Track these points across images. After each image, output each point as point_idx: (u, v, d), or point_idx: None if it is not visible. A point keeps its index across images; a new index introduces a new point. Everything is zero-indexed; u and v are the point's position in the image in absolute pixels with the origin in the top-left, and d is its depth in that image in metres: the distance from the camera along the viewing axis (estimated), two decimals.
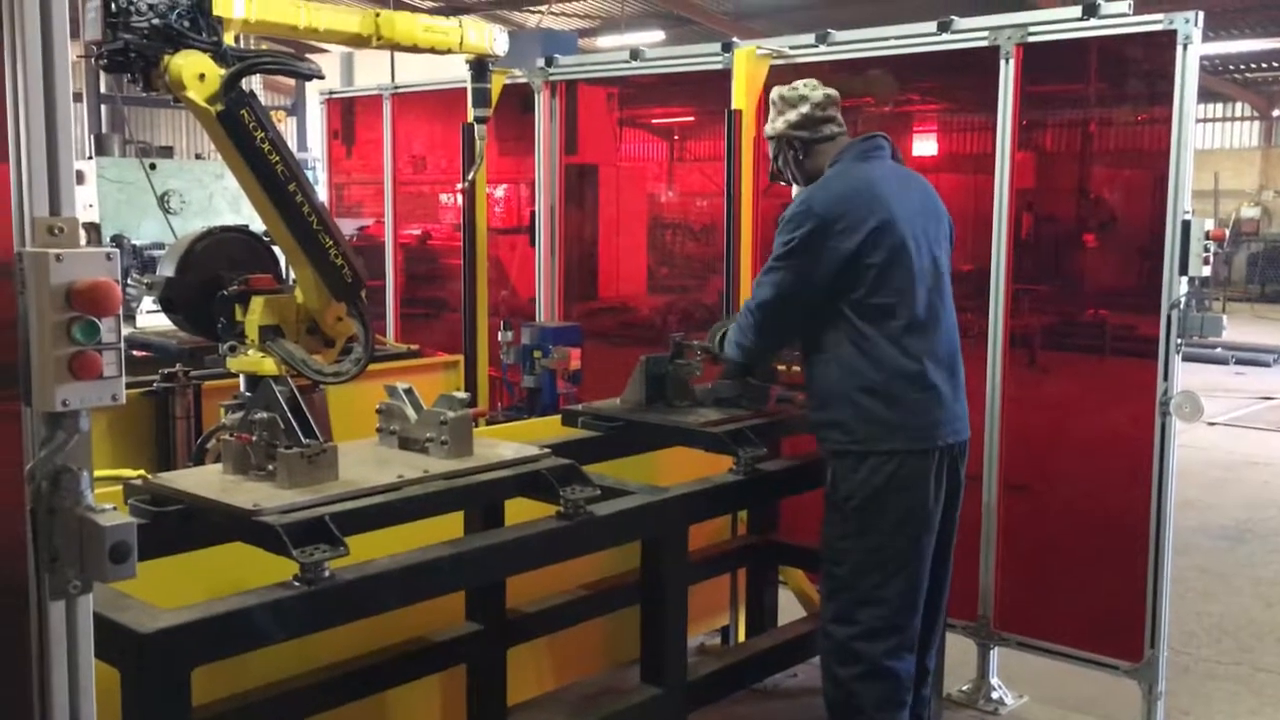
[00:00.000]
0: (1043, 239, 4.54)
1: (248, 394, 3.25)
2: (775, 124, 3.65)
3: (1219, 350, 13.27)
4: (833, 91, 3.64)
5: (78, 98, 10.80)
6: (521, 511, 3.14)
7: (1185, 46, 3.78)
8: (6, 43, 1.57)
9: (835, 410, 3.42)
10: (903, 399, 3.34)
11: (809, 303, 3.41)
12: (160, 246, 7.72)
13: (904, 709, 3.43)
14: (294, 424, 2.73)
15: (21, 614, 1.62)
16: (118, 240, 7.80)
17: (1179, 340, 3.90)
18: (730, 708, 4.14)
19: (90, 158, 8.92)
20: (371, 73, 12.41)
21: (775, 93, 3.68)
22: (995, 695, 4.49)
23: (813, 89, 3.61)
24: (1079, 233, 4.53)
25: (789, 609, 4.75)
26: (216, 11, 3.13)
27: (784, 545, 4.60)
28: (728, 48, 4.91)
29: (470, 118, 4.52)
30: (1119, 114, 4.39)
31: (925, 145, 5.23)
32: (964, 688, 4.51)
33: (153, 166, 8.50)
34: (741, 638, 4.76)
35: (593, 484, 3.07)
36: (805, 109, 3.58)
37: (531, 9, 19.51)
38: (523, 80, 5.74)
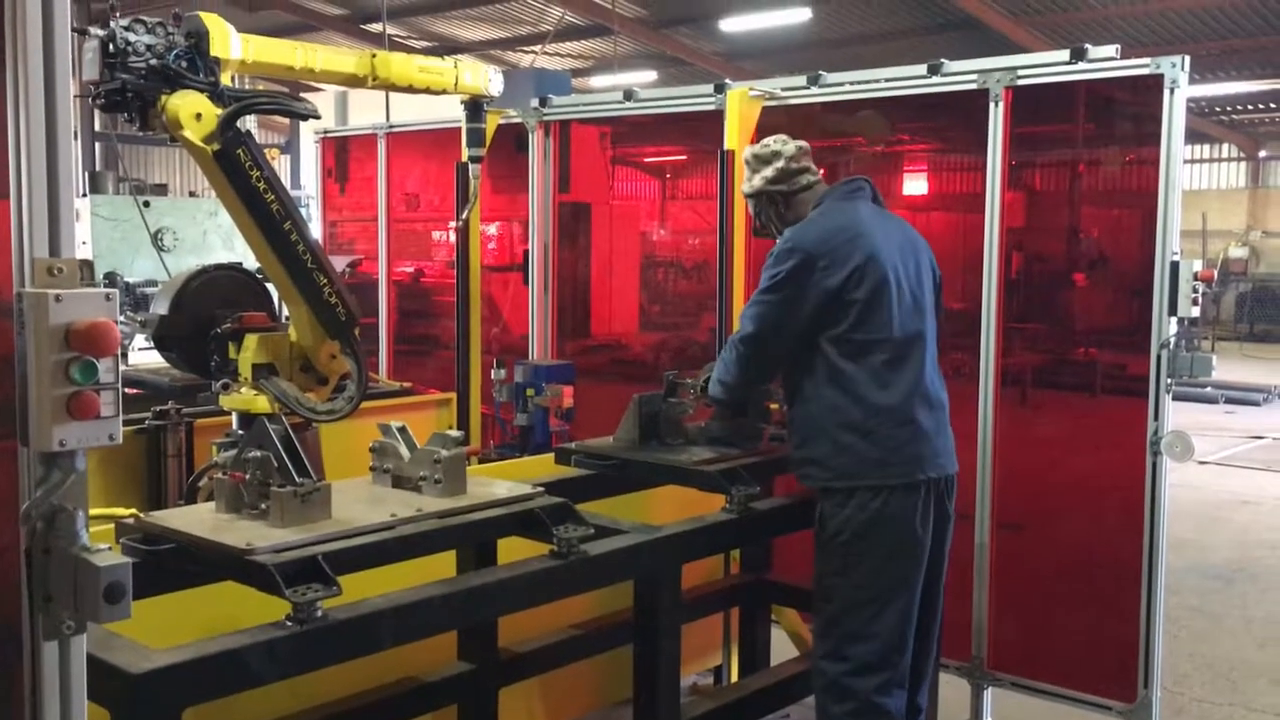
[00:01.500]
0: (1033, 278, 4.57)
1: (240, 432, 3.24)
2: (753, 182, 3.72)
3: (1209, 390, 13.33)
4: (803, 143, 3.73)
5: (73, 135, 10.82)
6: (515, 550, 3.13)
7: (1172, 90, 3.83)
8: (9, 85, 1.58)
9: (815, 447, 3.45)
10: (883, 434, 3.37)
11: (792, 338, 3.44)
12: (153, 284, 7.73)
13: None
14: (287, 462, 2.73)
15: (15, 654, 1.62)
16: (111, 278, 7.81)
17: (1169, 380, 3.92)
18: None
19: (84, 195, 8.95)
20: (366, 111, 12.47)
21: (748, 152, 3.77)
22: None
23: (783, 144, 3.71)
24: (1069, 272, 4.56)
25: (782, 648, 4.73)
26: (214, 52, 3.15)
27: (777, 584, 4.59)
28: (720, 89, 4.96)
29: (465, 157, 4.55)
30: (1107, 155, 4.44)
31: (916, 185, 5.27)
32: None
33: (146, 204, 8.52)
34: (734, 677, 4.73)
35: (586, 523, 3.06)
36: (780, 164, 3.67)
37: (525, 49, 19.68)
38: (517, 120, 5.78)
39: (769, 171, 3.67)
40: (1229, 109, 22.89)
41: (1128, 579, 4.01)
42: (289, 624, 2.45)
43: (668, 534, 3.36)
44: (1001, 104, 4.21)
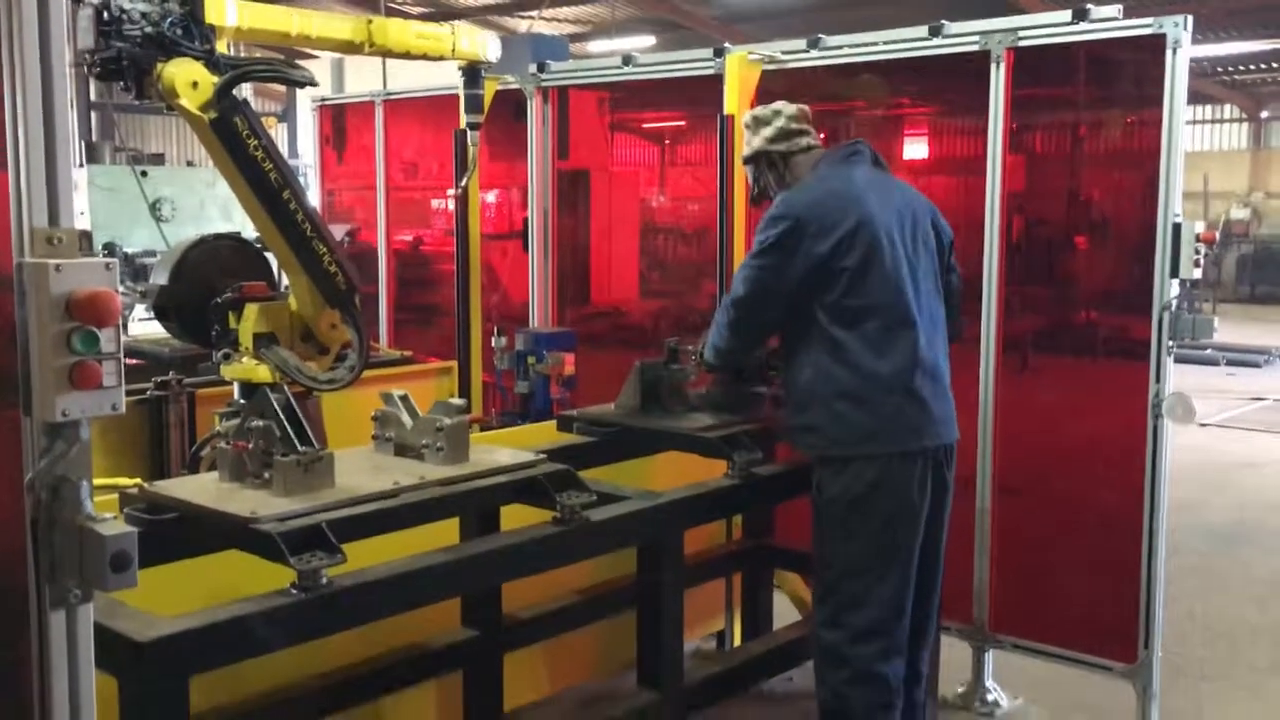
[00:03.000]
0: (1034, 242, 4.56)
1: (242, 401, 3.25)
2: (752, 143, 3.72)
3: (1210, 352, 13.33)
4: (803, 106, 3.72)
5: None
6: (517, 517, 3.15)
7: (1175, 50, 3.80)
8: (5, 54, 1.58)
9: (810, 415, 3.45)
10: (879, 403, 3.37)
11: (781, 303, 3.44)
12: (152, 254, 7.72)
13: (893, 712, 3.45)
14: (289, 431, 2.74)
15: (22, 623, 1.63)
16: (109, 248, 7.79)
17: (1170, 342, 3.92)
18: (726, 711, 4.14)
19: (81, 165, 8.92)
20: (362, 78, 12.41)
21: (748, 115, 3.78)
22: (991, 698, 4.50)
23: (783, 105, 3.72)
24: (1070, 235, 4.55)
25: (784, 613, 4.76)
26: (209, 19, 3.13)
27: (779, 549, 4.61)
28: (720, 53, 4.93)
29: (462, 124, 4.53)
30: (1109, 117, 4.41)
31: (917, 149, 5.25)
32: (959, 690, 4.52)
33: (144, 174, 8.50)
34: (737, 642, 4.77)
35: (588, 489, 3.08)
36: (780, 123, 3.67)
37: (522, 14, 19.52)
38: (515, 86, 5.74)
39: (768, 130, 3.67)
40: (1231, 69, 22.74)
41: (1129, 541, 4.03)
42: (294, 592, 2.47)
43: (670, 500, 3.38)
44: (1003, 66, 4.19)
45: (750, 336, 3.65)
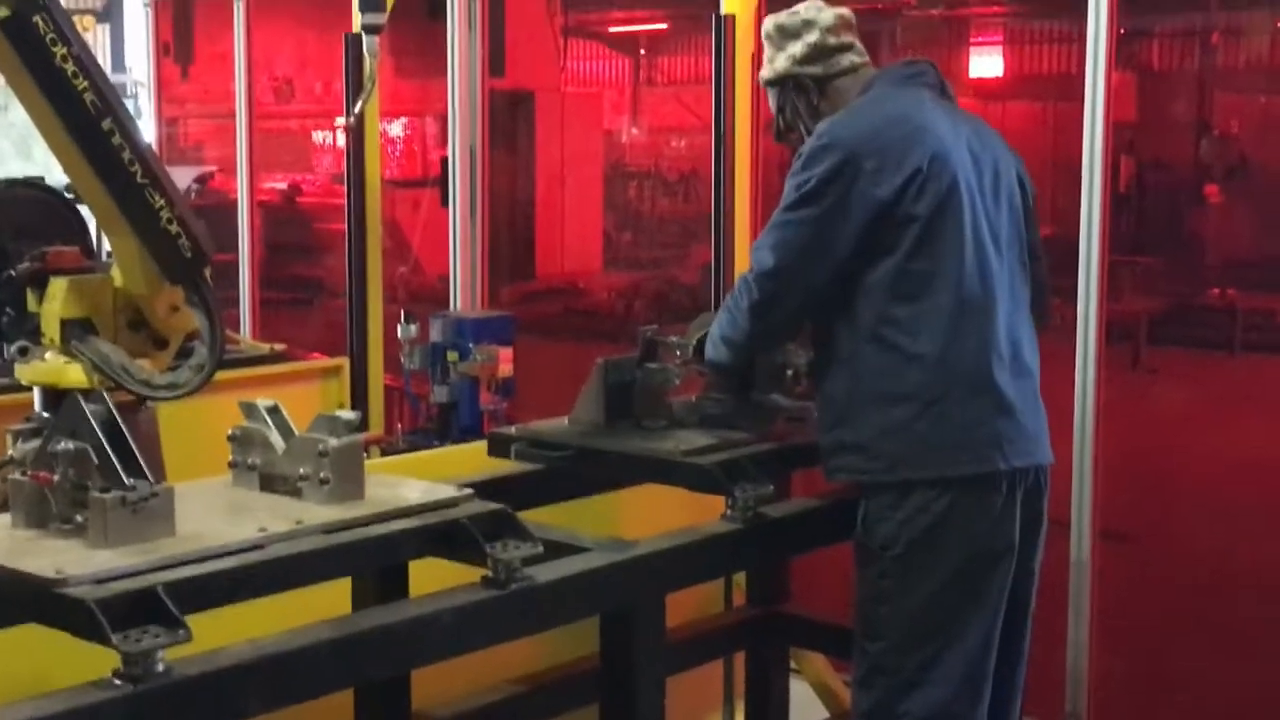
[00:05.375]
0: (1149, 193, 4.61)
1: (45, 415, 3.22)
2: (776, 64, 3.70)
3: None
4: (845, 11, 3.71)
5: None
6: (433, 576, 3.13)
7: None
8: None
9: (855, 427, 3.45)
10: (951, 408, 3.37)
11: (828, 271, 3.43)
12: None
13: None
14: (112, 457, 2.71)
15: None
16: None
17: None
18: None
19: None
20: None
21: (769, 24, 3.74)
22: None
23: (818, 10, 3.69)
24: (1198, 184, 4.60)
25: (805, 706, 4.77)
26: None
27: (796, 619, 4.61)
28: None
29: (356, 26, 4.51)
30: (1253, 20, 4.44)
31: (987, 63, 5.28)
32: None
33: None
34: None
35: (532, 537, 3.05)
36: (813, 37, 3.65)
37: None
38: None
39: (798, 48, 3.65)
40: None
41: None
42: (118, 682, 2.43)
43: (646, 552, 3.37)
44: None
45: (780, 323, 3.62)
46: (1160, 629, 4.34)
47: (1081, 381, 4.30)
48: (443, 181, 5.90)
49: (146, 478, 2.73)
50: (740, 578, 4.67)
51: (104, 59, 12.98)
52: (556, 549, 3.21)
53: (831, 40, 3.65)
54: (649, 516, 3.93)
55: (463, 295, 5.80)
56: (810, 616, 4.55)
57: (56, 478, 2.74)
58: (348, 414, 3.11)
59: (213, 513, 2.90)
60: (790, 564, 4.60)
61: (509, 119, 5.97)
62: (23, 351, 3.38)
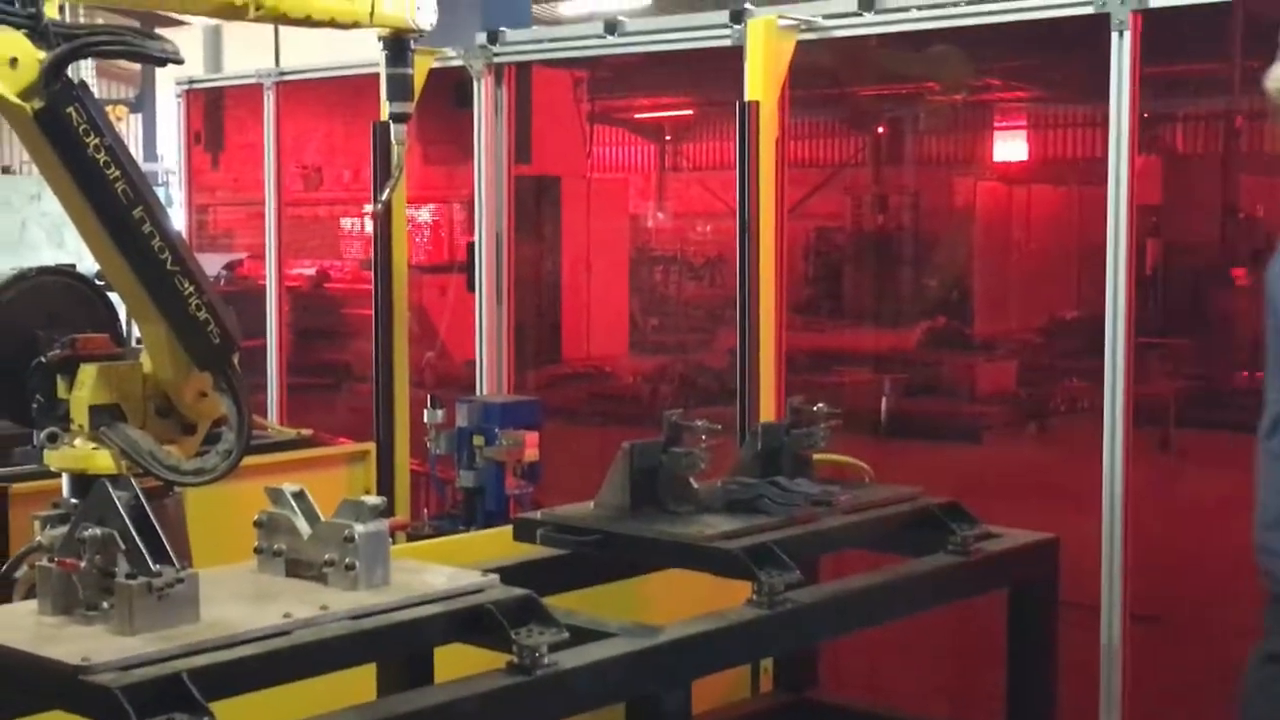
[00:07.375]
0: (1175, 275, 4.58)
1: (73, 501, 3.23)
2: None
3: None
4: None
5: None
6: (459, 663, 3.12)
7: None
8: None
9: None
10: None
11: None
12: None
13: None
14: (139, 543, 2.71)
15: None
16: None
17: None
18: None
19: None
20: (248, 54, 12.52)
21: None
22: None
23: None
24: (1225, 266, 4.57)
25: None
26: None
27: (825, 706, 4.57)
28: (738, 17, 4.97)
29: (385, 115, 4.55)
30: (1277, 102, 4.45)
31: (1010, 147, 5.29)
32: None
33: None
34: None
35: (558, 623, 3.05)
36: None
37: None
38: (457, 64, 5.79)
39: None
40: None
41: None
42: None
43: (672, 638, 3.35)
44: (1128, 34, 4.23)
45: None
46: (1193, 713, 4.27)
47: (1110, 463, 4.27)
48: (469, 267, 5.92)
49: (173, 563, 2.73)
50: (768, 663, 4.64)
51: (136, 148, 13.13)
52: (582, 634, 3.20)
53: None
54: (675, 601, 3.91)
55: (489, 380, 5.81)
56: (839, 703, 4.52)
57: (83, 564, 2.74)
58: (373, 499, 3.12)
59: (238, 598, 2.90)
60: (819, 650, 4.57)
61: (535, 204, 6.00)
62: (52, 438, 3.40)
